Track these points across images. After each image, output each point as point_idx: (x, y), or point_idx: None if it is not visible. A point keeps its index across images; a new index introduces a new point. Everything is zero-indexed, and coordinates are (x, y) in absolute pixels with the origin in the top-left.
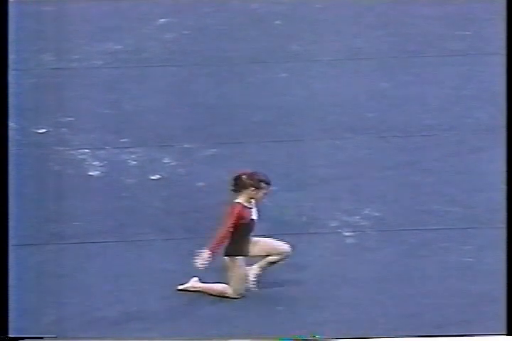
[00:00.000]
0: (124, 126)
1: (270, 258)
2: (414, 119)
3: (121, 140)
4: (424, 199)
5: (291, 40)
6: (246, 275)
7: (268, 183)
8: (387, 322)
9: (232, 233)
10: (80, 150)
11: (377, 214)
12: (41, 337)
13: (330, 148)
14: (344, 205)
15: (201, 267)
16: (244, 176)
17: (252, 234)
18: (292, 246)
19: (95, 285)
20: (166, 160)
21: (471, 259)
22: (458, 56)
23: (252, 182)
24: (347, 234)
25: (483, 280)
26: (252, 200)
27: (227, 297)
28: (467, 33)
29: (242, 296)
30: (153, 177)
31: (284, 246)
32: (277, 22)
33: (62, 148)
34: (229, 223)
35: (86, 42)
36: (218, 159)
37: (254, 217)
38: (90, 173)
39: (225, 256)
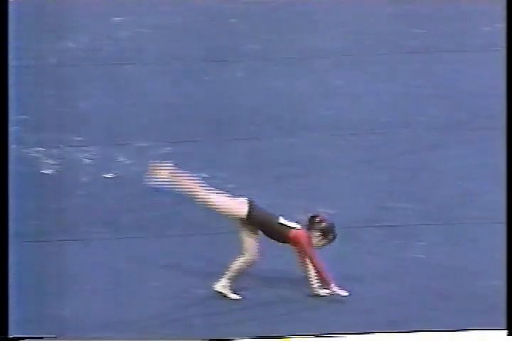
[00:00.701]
0: (79, 124)
1: (235, 266)
2: (370, 117)
3: (76, 138)
4: (379, 196)
5: (247, 38)
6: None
7: (333, 240)
8: (343, 319)
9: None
10: (34, 149)
11: (332, 211)
12: (41, 337)
13: (286, 146)
14: (299, 203)
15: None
16: (318, 218)
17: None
18: None
19: (50, 283)
20: (120, 159)
21: (425, 256)
22: (413, 53)
23: (321, 227)
24: None
25: (437, 277)
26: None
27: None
28: (422, 30)
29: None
30: (107, 176)
31: (254, 254)
32: (233, 20)
33: (16, 146)
34: (311, 254)
35: (41, 41)
36: (173, 158)
37: None
38: (44, 171)
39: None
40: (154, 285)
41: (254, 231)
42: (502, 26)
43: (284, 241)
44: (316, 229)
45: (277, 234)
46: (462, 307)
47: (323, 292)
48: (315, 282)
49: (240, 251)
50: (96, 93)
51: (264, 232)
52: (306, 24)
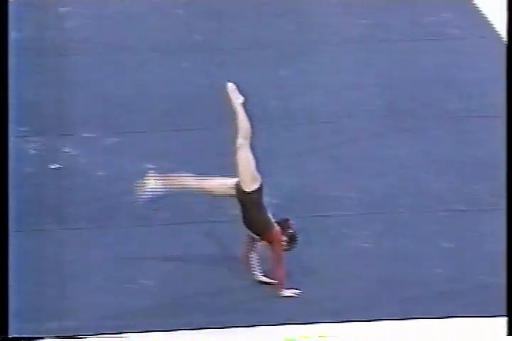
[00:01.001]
0: (24, 114)
1: (188, 181)
2: (314, 107)
3: (21, 129)
4: (322, 185)
5: (193, 29)
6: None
7: (293, 248)
8: (286, 308)
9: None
10: None
11: (275, 201)
12: (42, 337)
13: (231, 136)
14: None
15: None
16: (288, 224)
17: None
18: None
19: None
20: (66, 150)
21: (369, 245)
22: (356, 43)
23: (289, 234)
24: None
25: (382, 265)
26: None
27: None
28: (365, 21)
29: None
30: (53, 167)
31: (204, 191)
32: (179, 11)
33: None
34: (281, 255)
35: None
36: (119, 148)
37: None
38: None
39: None
40: (100, 275)
41: (232, 195)
42: (447, 16)
43: (259, 234)
44: (285, 235)
45: (262, 226)
46: (407, 295)
47: (264, 279)
48: (258, 270)
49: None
50: (41, 83)
51: (246, 216)
52: (251, 14)
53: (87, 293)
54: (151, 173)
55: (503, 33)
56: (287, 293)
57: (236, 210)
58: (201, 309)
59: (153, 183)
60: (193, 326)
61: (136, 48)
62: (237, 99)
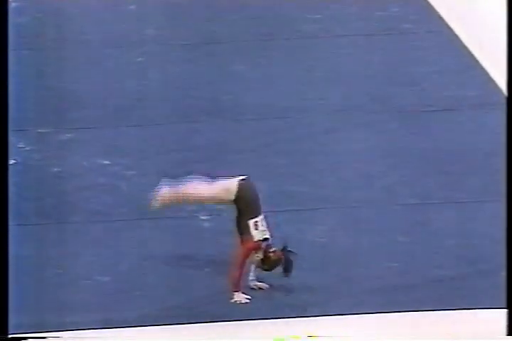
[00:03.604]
0: None
1: None
2: (269, 102)
3: None
4: (278, 180)
5: (146, 24)
6: None
7: (266, 270)
8: (248, 305)
9: None
10: None
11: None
12: (44, 337)
13: (186, 131)
14: None
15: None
16: (268, 244)
17: None
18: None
19: None
20: (20, 145)
21: (324, 239)
22: (310, 38)
23: (266, 254)
24: (203, 217)
25: (337, 260)
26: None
27: None
28: (318, 16)
29: None
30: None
31: None
32: (132, 7)
33: None
34: (240, 262)
35: None
36: (74, 144)
37: None
38: None
39: None
40: (55, 272)
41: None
42: (397, 11)
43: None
44: (265, 252)
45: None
46: (363, 289)
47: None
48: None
49: None
50: None
51: (242, 218)
52: (205, 9)
53: (41, 288)
54: (163, 190)
55: (502, 32)
56: (239, 297)
57: (192, 207)
58: (159, 304)
59: (166, 200)
60: (150, 322)
61: (89, 43)
62: (168, 196)
